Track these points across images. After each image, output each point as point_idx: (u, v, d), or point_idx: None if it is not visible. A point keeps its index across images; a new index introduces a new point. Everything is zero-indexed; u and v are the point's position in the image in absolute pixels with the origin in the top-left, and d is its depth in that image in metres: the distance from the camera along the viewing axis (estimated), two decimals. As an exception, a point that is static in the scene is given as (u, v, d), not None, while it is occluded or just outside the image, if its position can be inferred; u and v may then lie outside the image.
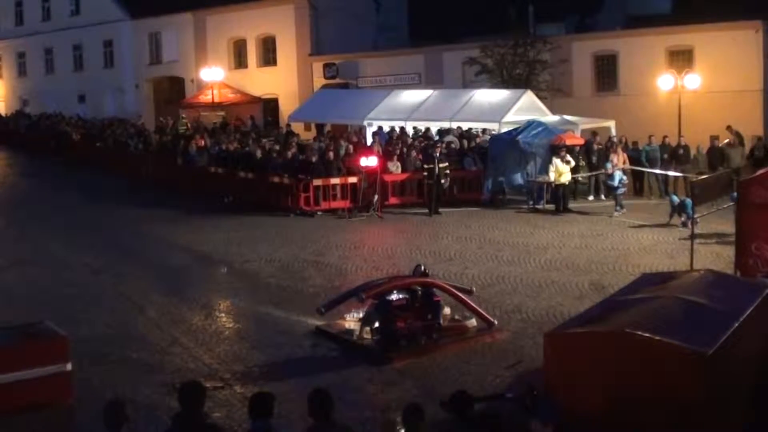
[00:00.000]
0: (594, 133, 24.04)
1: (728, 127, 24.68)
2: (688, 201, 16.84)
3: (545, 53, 31.74)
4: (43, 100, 48.25)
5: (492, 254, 16.81)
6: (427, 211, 21.35)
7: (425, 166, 21.63)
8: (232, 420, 9.08)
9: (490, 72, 31.93)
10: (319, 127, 33.00)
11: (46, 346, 9.68)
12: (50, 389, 9.45)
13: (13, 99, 53.16)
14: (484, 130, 26.06)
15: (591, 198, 22.95)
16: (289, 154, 23.42)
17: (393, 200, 22.40)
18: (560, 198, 21.32)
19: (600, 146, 23.18)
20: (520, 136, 22.20)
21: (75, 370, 9.85)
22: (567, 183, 21.57)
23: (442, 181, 21.52)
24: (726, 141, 23.57)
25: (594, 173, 22.89)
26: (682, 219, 18.31)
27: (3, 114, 49.47)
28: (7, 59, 53.86)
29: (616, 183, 20.91)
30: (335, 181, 22.04)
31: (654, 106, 28.26)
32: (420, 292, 11.52)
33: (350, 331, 11.82)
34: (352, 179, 21.92)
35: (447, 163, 21.71)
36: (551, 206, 21.44)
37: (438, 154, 21.58)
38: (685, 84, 26.78)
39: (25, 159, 36.23)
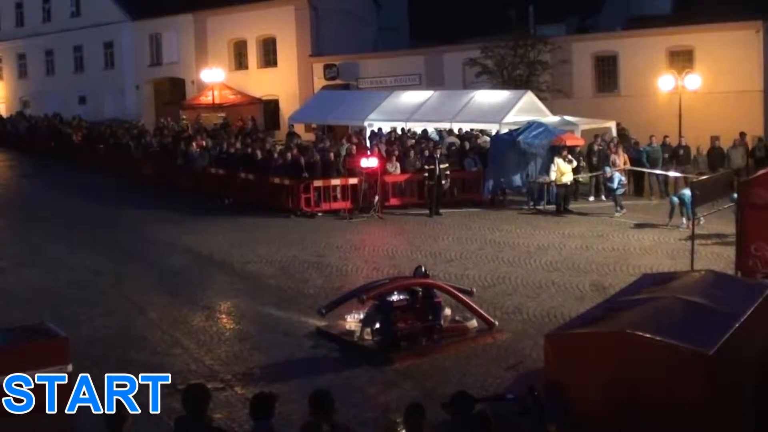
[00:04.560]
0: (596, 135, 24.04)
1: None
2: (687, 194, 16.77)
3: (546, 54, 31.76)
4: (44, 101, 48.16)
5: (492, 255, 16.81)
6: (427, 211, 21.35)
7: (426, 166, 21.64)
8: (234, 421, 9.08)
9: (490, 73, 31.96)
10: (315, 129, 32.85)
11: (47, 347, 9.66)
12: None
13: (13, 100, 53.09)
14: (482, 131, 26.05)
15: (591, 199, 22.95)
16: (289, 155, 23.40)
17: (393, 201, 22.38)
18: (561, 199, 21.32)
19: (600, 147, 23.18)
20: (520, 137, 22.20)
21: (75, 371, 9.84)
22: (568, 183, 21.58)
23: (443, 181, 21.52)
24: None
25: (594, 174, 22.89)
26: (684, 218, 18.30)
27: (3, 115, 49.41)
28: (8, 61, 53.82)
29: (615, 185, 20.90)
30: (336, 182, 22.04)
31: (654, 107, 28.26)
32: (421, 293, 11.53)
33: (351, 332, 11.82)
34: (353, 180, 21.92)
35: (447, 164, 21.72)
36: (552, 207, 21.44)
37: (438, 155, 21.60)
38: (686, 84, 26.81)
39: (25, 160, 36.18)
